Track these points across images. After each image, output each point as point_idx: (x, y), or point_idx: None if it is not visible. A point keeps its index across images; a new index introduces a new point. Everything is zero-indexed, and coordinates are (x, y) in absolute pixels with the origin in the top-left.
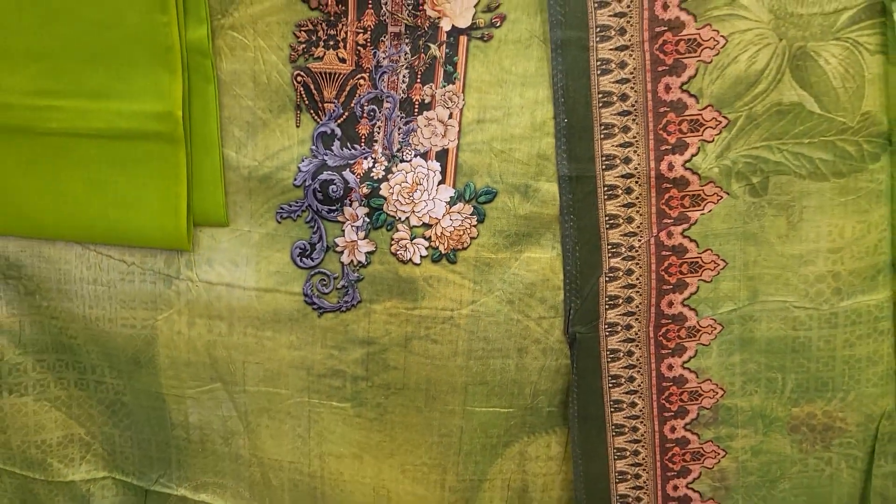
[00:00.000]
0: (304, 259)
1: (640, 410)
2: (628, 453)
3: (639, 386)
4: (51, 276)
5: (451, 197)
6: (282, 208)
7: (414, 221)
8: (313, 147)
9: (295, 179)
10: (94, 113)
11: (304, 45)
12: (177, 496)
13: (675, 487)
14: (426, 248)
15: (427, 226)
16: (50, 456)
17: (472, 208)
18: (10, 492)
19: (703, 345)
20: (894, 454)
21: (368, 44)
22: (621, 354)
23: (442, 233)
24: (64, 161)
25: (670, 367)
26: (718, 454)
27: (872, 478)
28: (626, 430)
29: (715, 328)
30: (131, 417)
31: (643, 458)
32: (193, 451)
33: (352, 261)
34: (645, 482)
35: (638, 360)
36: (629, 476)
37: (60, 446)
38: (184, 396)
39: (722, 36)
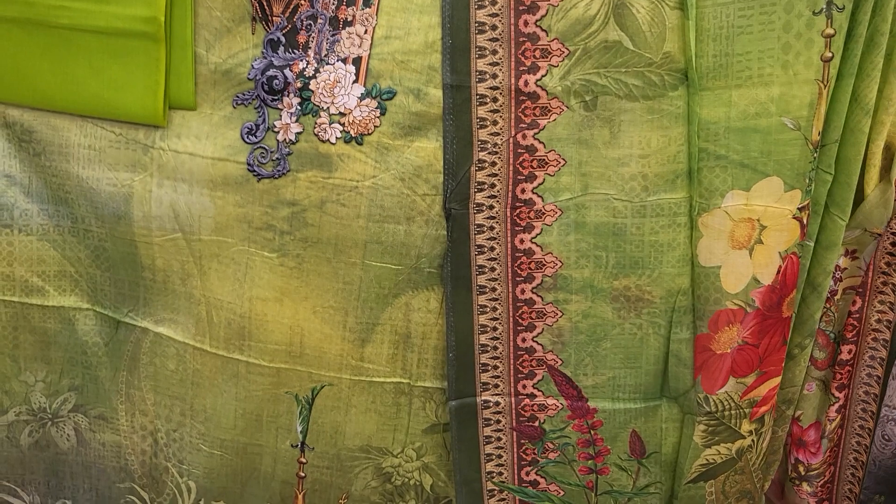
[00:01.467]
0: (250, 136)
1: (498, 274)
2: (488, 309)
3: (498, 255)
4: (55, 141)
5: (361, 93)
6: (237, 96)
7: (333, 110)
8: (264, 50)
9: (249, 74)
10: (97, 14)
11: None
12: (141, 327)
13: (524, 339)
14: (340, 132)
15: (342, 114)
16: (48, 284)
17: (377, 103)
18: (4, 320)
19: (547, 225)
20: (687, 324)
21: None
22: (485, 229)
23: (353, 120)
24: (71, 50)
25: (521, 241)
26: (557, 314)
27: (671, 342)
28: (487, 290)
29: (556, 212)
30: (110, 261)
31: (500, 314)
32: (157, 290)
33: (285, 139)
34: (500, 333)
35: (497, 233)
36: (488, 328)
37: (56, 278)
38: (152, 244)
39: None
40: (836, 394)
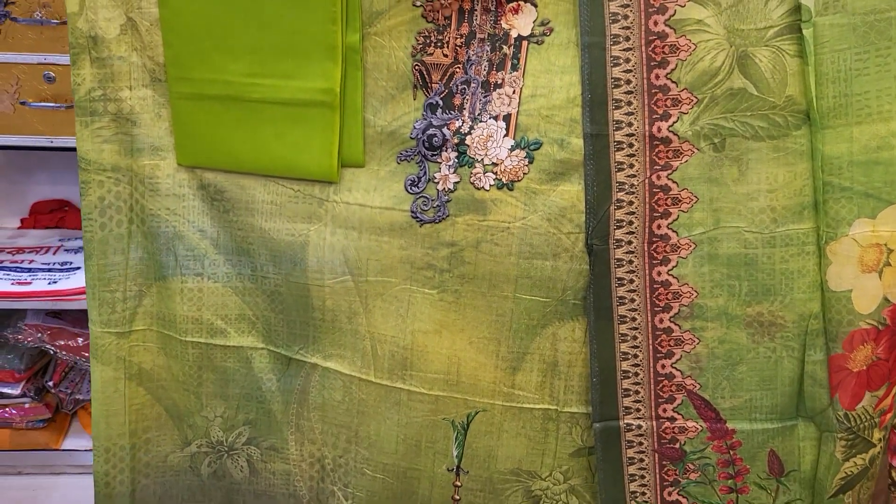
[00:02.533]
0: (412, 187)
1: (638, 305)
2: (629, 338)
3: (637, 286)
4: (242, 198)
5: (511, 145)
6: (401, 153)
7: (486, 161)
8: (424, 112)
9: (411, 134)
10: (284, 87)
11: (421, 45)
12: (311, 363)
13: (663, 366)
14: (494, 180)
15: (495, 164)
16: (230, 326)
17: (525, 153)
18: (192, 360)
19: (682, 258)
20: (820, 346)
21: (463, 45)
22: (624, 262)
23: (504, 169)
24: (260, 120)
25: (659, 274)
26: (694, 341)
27: (805, 364)
28: (627, 319)
29: (690, 245)
30: (284, 304)
31: (640, 342)
32: (326, 329)
33: (444, 188)
34: (641, 360)
35: (636, 267)
36: (629, 356)
37: (236, 321)
38: (323, 286)
39: (693, 43)
40: None
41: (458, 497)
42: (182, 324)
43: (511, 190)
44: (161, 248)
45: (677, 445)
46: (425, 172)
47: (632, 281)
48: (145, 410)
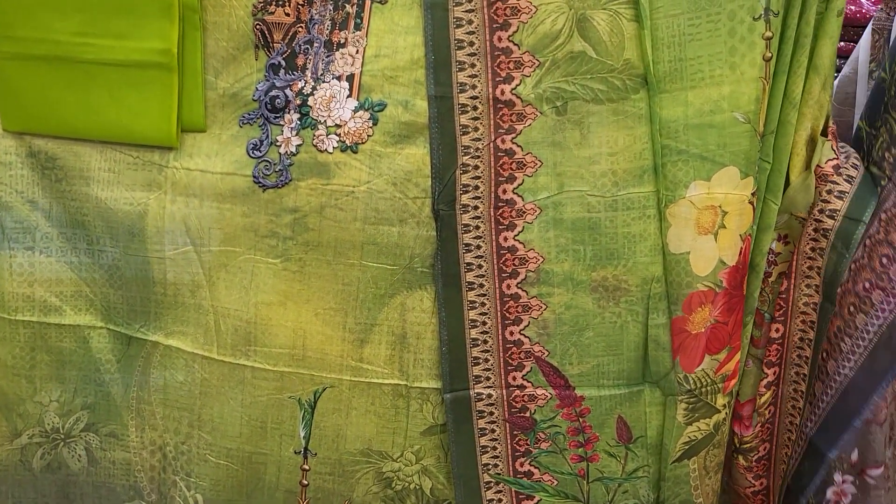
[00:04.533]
0: (255, 151)
1: (485, 271)
2: (477, 305)
3: (484, 252)
4: (76, 166)
5: (355, 106)
6: (243, 116)
7: (329, 123)
8: (266, 73)
9: (254, 96)
10: (117, 48)
11: (262, 4)
12: (151, 341)
13: (511, 333)
14: (337, 142)
15: (338, 126)
16: (65, 304)
17: (370, 115)
18: (23, 341)
19: (528, 223)
20: (663, 309)
21: (305, 4)
22: (471, 228)
23: (348, 131)
24: (93, 82)
25: (505, 239)
26: (541, 307)
27: (649, 328)
28: (476, 286)
29: (536, 210)
30: (123, 279)
31: (488, 309)
32: (168, 304)
33: (287, 151)
34: (490, 328)
35: (483, 232)
36: (478, 323)
37: (72, 297)
38: (164, 258)
39: (534, 6)
40: (766, 370)
41: (306, 482)
42: (11, 301)
43: (355, 153)
44: None
45: (528, 414)
46: (267, 135)
47: (479, 247)
48: None
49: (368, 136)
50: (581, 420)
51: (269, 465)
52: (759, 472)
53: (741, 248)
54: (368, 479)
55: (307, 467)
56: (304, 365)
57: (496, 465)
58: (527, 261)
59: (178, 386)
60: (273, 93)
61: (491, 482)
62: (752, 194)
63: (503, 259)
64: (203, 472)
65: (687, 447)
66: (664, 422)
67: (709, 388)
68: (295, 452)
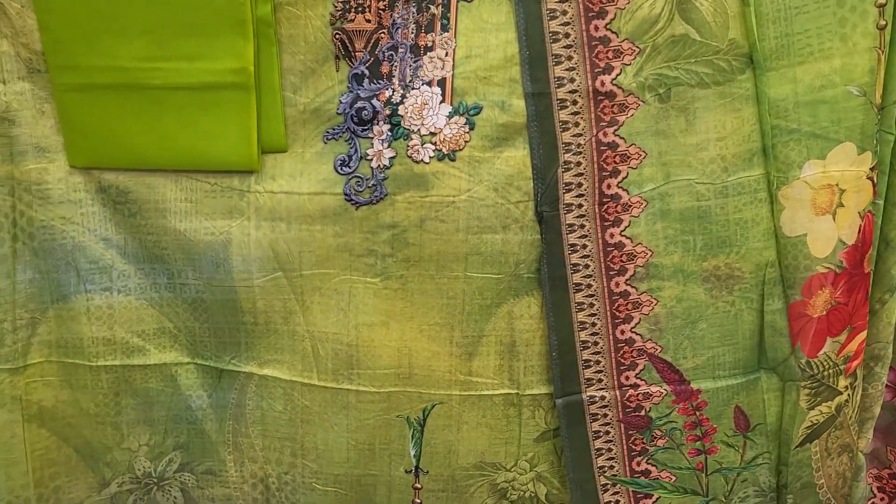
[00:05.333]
0: (343, 168)
1: (592, 270)
2: (585, 306)
3: (590, 251)
4: (150, 199)
5: (449, 112)
6: (327, 132)
7: (423, 132)
8: (349, 85)
9: (338, 109)
10: (188, 71)
11: (340, 12)
12: (245, 373)
13: (622, 332)
14: (433, 151)
15: (433, 134)
16: (148, 343)
17: (465, 119)
18: (106, 387)
19: (634, 217)
20: (779, 294)
21: (386, 8)
22: (576, 227)
23: (444, 138)
24: (164, 108)
25: (612, 236)
26: (652, 302)
27: (765, 314)
28: (583, 287)
29: (642, 203)
30: (209, 311)
31: (597, 310)
32: (259, 333)
33: (379, 165)
34: (599, 329)
35: (588, 231)
36: (587, 325)
37: (156, 336)
38: (252, 286)
39: None
40: None
41: (418, 500)
42: (91, 347)
43: (453, 160)
44: (58, 265)
45: (643, 413)
46: (356, 150)
47: (585, 246)
48: (51, 454)
49: (466, 142)
50: (698, 413)
51: (379, 486)
52: None
53: (860, 225)
54: (483, 492)
55: (419, 486)
56: (412, 383)
57: (612, 467)
58: (635, 256)
59: (277, 416)
60: (359, 104)
61: (608, 484)
62: (871, 169)
63: (610, 256)
64: (310, 500)
65: (809, 431)
66: (784, 407)
67: (830, 370)
68: (406, 472)
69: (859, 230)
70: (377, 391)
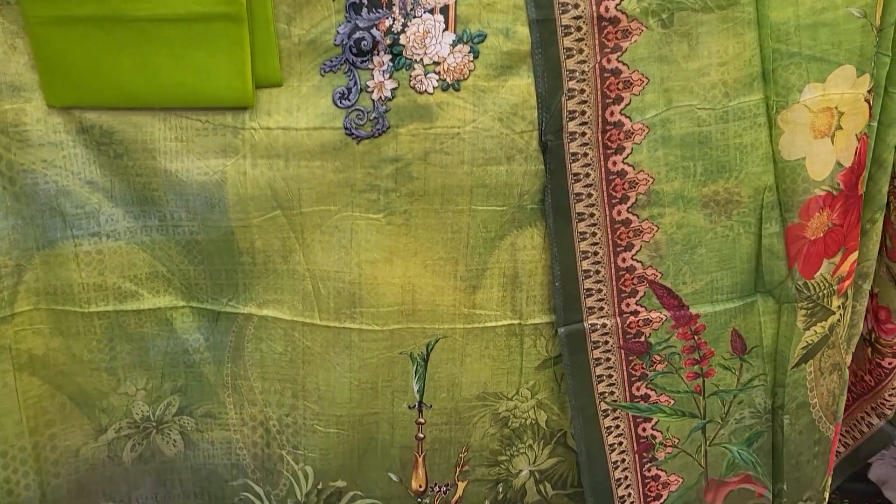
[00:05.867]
0: (342, 101)
1: (595, 199)
2: (588, 235)
3: (593, 180)
4: (137, 139)
5: (453, 40)
6: (325, 64)
7: (427, 61)
8: (347, 14)
9: (335, 40)
10: (175, 1)
11: None
12: (243, 314)
13: (624, 259)
14: (437, 80)
15: (436, 63)
16: (141, 287)
17: (470, 48)
18: (99, 333)
19: (637, 144)
20: (776, 218)
21: None
22: (579, 156)
23: (448, 68)
24: (150, 42)
25: (614, 164)
26: (653, 229)
27: (762, 238)
28: (586, 216)
29: (644, 130)
30: (204, 253)
31: (599, 238)
32: (257, 274)
33: (381, 96)
34: (601, 258)
35: (591, 159)
36: (590, 254)
37: (148, 280)
38: (250, 226)
39: None
40: None
41: (422, 435)
42: (82, 293)
43: (457, 90)
44: (42, 210)
45: (643, 339)
46: (356, 82)
47: (588, 175)
48: (44, 403)
49: (470, 71)
50: (696, 338)
51: (382, 423)
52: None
53: (857, 147)
54: (485, 422)
55: (422, 420)
56: (415, 319)
57: (612, 393)
58: (637, 183)
59: (277, 357)
60: (357, 35)
61: (608, 409)
62: (869, 91)
63: (613, 185)
64: (311, 443)
65: (804, 352)
66: (780, 329)
67: (825, 291)
68: (409, 407)
69: (856, 152)
70: (381, 329)
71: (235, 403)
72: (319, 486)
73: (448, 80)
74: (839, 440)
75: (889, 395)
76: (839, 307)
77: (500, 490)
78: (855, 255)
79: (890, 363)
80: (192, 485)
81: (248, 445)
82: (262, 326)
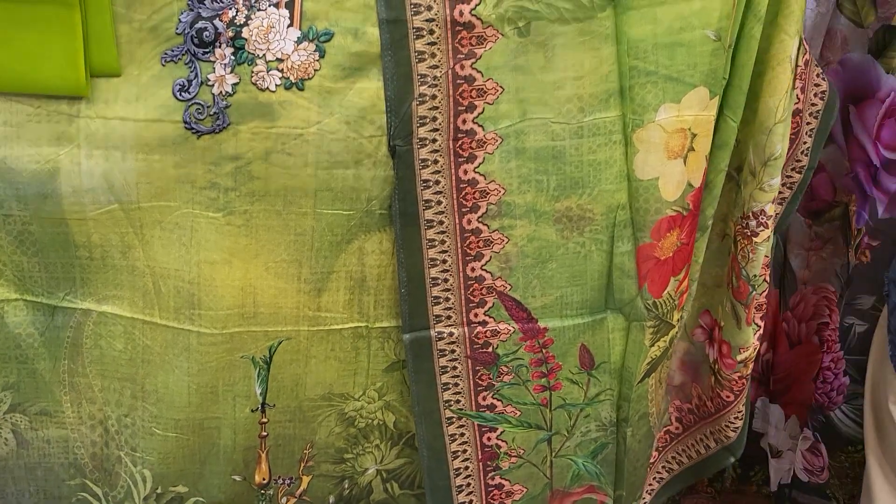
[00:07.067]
0: (182, 93)
1: (445, 207)
2: (437, 243)
3: (443, 188)
4: None
5: (298, 37)
6: (166, 53)
7: (269, 57)
8: (189, 2)
9: (177, 28)
10: None
11: None
12: (82, 309)
13: (473, 269)
14: (280, 78)
15: (280, 60)
16: None
17: (315, 46)
18: None
19: (489, 153)
20: (628, 237)
21: None
22: (429, 163)
23: (292, 65)
24: None
25: (465, 172)
26: (503, 240)
27: (614, 256)
28: (435, 223)
29: (497, 140)
30: (38, 245)
31: (448, 246)
32: (95, 268)
33: (221, 91)
34: (450, 266)
35: (442, 166)
36: (438, 262)
37: None
38: (86, 219)
39: None
40: (758, 322)
41: (265, 433)
42: None
43: (301, 90)
44: None
45: (490, 349)
46: (197, 74)
47: (438, 182)
48: None
49: (315, 70)
50: (544, 351)
51: (224, 428)
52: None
53: (704, 168)
54: (331, 421)
55: (266, 420)
56: (256, 322)
57: (458, 401)
58: (488, 193)
59: (116, 355)
60: (200, 24)
61: (453, 417)
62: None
63: (463, 193)
64: (149, 446)
65: (648, 367)
66: (628, 346)
67: (670, 307)
68: (252, 411)
69: (703, 173)
70: (219, 332)
71: (73, 401)
72: (158, 491)
73: (292, 78)
74: (680, 454)
75: (726, 426)
76: (678, 320)
77: (346, 486)
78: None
79: (728, 397)
80: (27, 483)
81: (86, 445)
82: (102, 323)
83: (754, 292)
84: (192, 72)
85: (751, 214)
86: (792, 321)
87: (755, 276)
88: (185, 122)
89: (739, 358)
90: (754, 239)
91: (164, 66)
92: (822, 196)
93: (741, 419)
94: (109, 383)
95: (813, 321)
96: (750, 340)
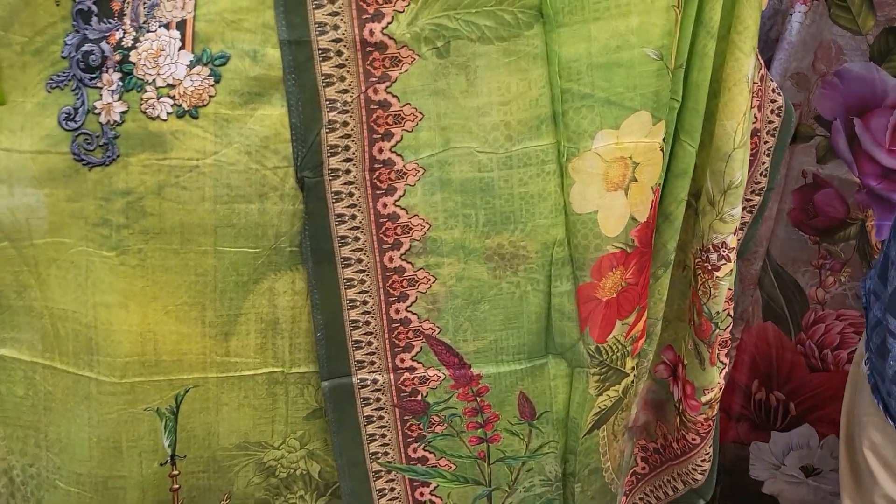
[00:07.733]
0: (68, 122)
1: (363, 244)
2: (356, 282)
3: (360, 223)
4: None
5: (190, 61)
6: (51, 79)
7: (160, 83)
8: (74, 23)
9: (62, 52)
10: None
11: None
12: None
13: (397, 311)
14: (171, 106)
15: (171, 86)
16: None
17: (209, 70)
18: None
19: (410, 185)
20: (567, 276)
21: None
22: (343, 195)
23: (184, 92)
24: None
25: (385, 206)
26: (430, 280)
27: (552, 297)
28: (353, 261)
29: (418, 171)
30: None
31: (369, 286)
32: None
33: (108, 120)
34: (371, 307)
35: (358, 199)
36: (358, 303)
37: None
38: None
39: None
40: (724, 359)
41: (177, 486)
42: None
43: (195, 118)
44: None
45: (419, 397)
46: (83, 102)
47: (354, 217)
48: None
49: (210, 96)
50: (479, 399)
51: (130, 489)
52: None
53: (652, 200)
54: (248, 471)
55: (177, 472)
56: (159, 371)
57: (386, 454)
58: (411, 229)
59: (18, 402)
60: (86, 47)
61: (381, 471)
62: (664, 140)
63: (383, 229)
64: (53, 499)
65: (597, 418)
66: (572, 394)
67: (619, 353)
68: (160, 465)
69: (651, 205)
70: (119, 381)
71: None
72: None
73: (184, 105)
74: (648, 494)
75: (693, 468)
76: (632, 368)
77: None
78: (647, 313)
79: (693, 439)
80: None
81: None
82: (1, 367)
83: (717, 330)
84: (78, 99)
85: (711, 247)
86: (809, 345)
87: (717, 312)
88: (74, 154)
89: (704, 399)
90: (716, 273)
91: (49, 92)
92: (830, 213)
93: (709, 461)
94: (13, 431)
95: (841, 350)
96: (715, 380)
